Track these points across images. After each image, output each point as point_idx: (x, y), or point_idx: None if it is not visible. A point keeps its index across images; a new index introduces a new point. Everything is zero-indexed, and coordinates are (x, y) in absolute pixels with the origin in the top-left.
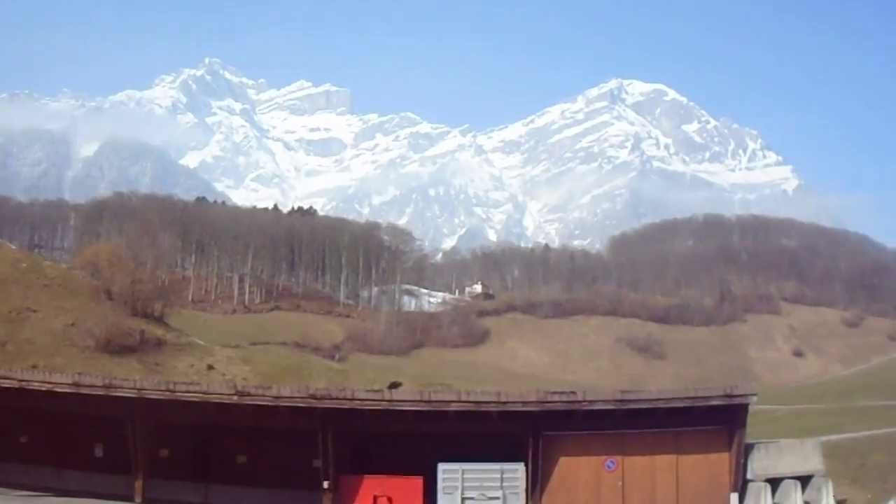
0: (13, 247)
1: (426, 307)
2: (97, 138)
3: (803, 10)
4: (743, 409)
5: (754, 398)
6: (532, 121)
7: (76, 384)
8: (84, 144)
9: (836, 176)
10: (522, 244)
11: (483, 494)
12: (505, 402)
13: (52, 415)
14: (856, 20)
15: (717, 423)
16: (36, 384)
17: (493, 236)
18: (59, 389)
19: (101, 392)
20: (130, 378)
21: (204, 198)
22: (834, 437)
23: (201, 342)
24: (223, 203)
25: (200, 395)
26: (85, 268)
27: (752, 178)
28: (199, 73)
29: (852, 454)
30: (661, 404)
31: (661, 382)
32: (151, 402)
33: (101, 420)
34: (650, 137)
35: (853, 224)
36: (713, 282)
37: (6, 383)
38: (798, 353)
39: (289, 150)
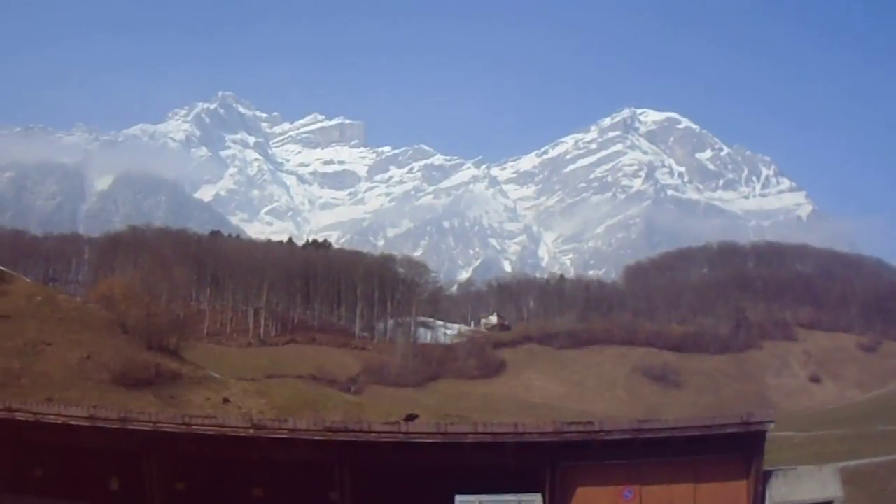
0: (28, 280)
1: (442, 339)
2: (111, 172)
3: (813, 36)
4: (760, 436)
5: (772, 425)
6: (546, 151)
7: (91, 417)
8: (98, 178)
9: (851, 200)
10: (538, 275)
11: None
12: (521, 433)
13: (67, 448)
14: (865, 45)
15: (734, 450)
16: (51, 417)
17: (508, 267)
18: (74, 423)
19: (116, 425)
20: (146, 411)
21: (218, 231)
22: (852, 462)
23: (217, 375)
24: (238, 237)
25: (216, 428)
26: (100, 301)
27: (766, 204)
28: (212, 107)
29: (871, 480)
30: (678, 433)
31: (677, 411)
32: (167, 436)
33: (117, 453)
34: (664, 166)
35: (868, 248)
36: (729, 309)
37: (22, 416)
38: (815, 379)
39: (303, 184)
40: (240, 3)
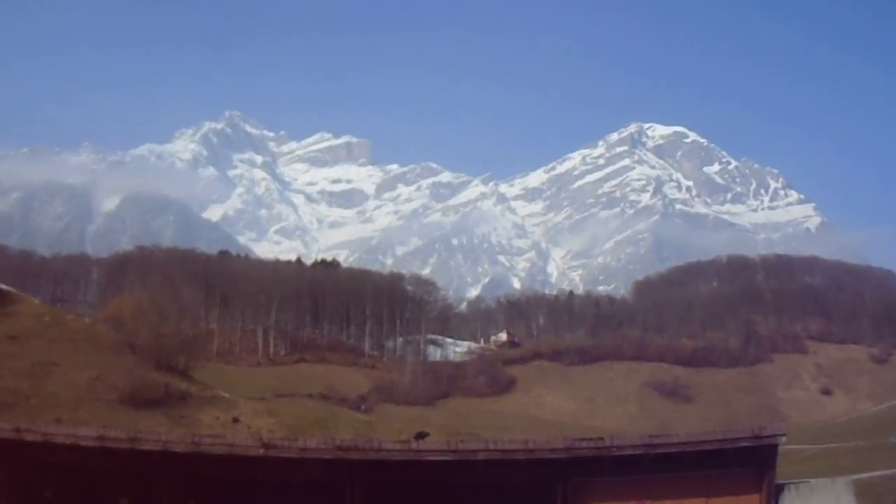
0: (36, 301)
1: (452, 357)
2: (118, 192)
3: (820, 48)
4: (772, 449)
5: (783, 438)
6: (553, 167)
7: (101, 438)
8: (105, 198)
9: (859, 212)
10: (547, 291)
11: None
12: (532, 450)
13: (76, 469)
14: (873, 56)
15: (746, 464)
16: (60, 438)
17: (517, 284)
18: (83, 443)
19: (125, 446)
20: (155, 431)
21: (227, 251)
22: (865, 475)
23: (226, 395)
24: (246, 256)
25: (226, 448)
26: (108, 322)
27: (775, 217)
28: (219, 127)
29: (885, 492)
30: (689, 448)
31: (688, 426)
32: (177, 456)
33: (126, 474)
34: (672, 180)
35: (877, 259)
36: (738, 323)
37: (30, 437)
38: (826, 392)
39: (311, 202)
40: (244, 21)
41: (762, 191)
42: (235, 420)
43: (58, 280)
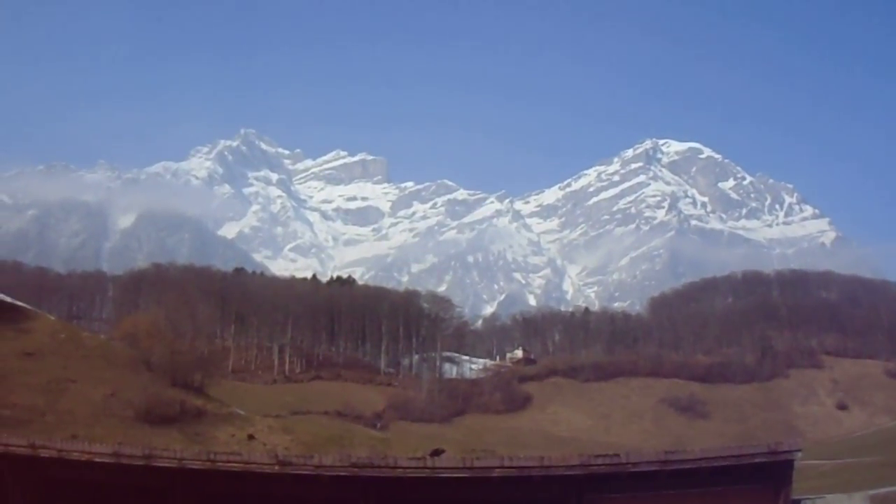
0: (52, 318)
1: (467, 374)
2: (134, 210)
3: (833, 64)
4: (788, 465)
5: (799, 454)
6: (569, 184)
7: (116, 454)
8: (121, 216)
9: (874, 226)
10: (562, 308)
11: None
12: (548, 467)
13: (91, 485)
14: (885, 71)
15: (762, 480)
16: (75, 454)
17: (532, 301)
18: (98, 460)
19: (141, 462)
20: (171, 448)
21: (242, 268)
22: (882, 490)
23: (242, 412)
24: (262, 274)
25: (241, 465)
26: (124, 338)
27: (790, 232)
28: (234, 144)
29: None
30: (704, 464)
31: (704, 442)
32: (192, 473)
33: (142, 491)
34: (687, 196)
35: (893, 273)
36: (754, 338)
37: (45, 453)
38: (842, 407)
39: (326, 220)
40: (259, 37)
41: (777, 206)
42: (251, 437)
43: (73, 297)
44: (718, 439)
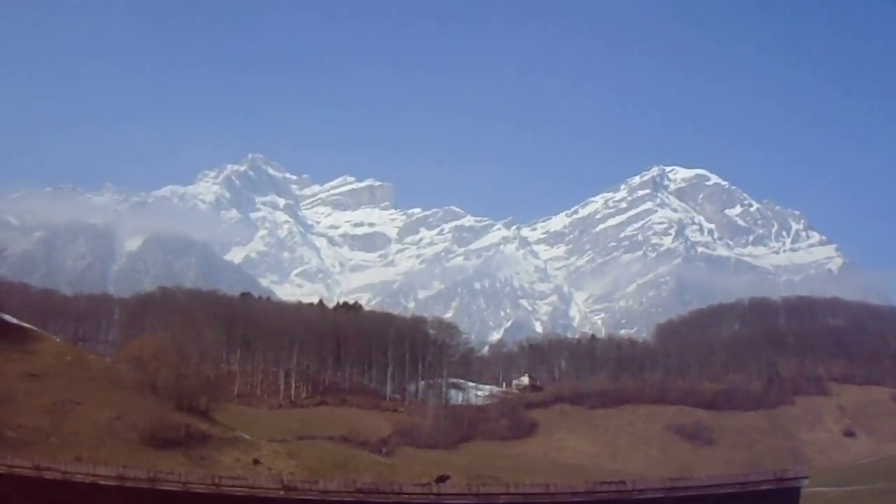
0: (57, 340)
1: (473, 400)
2: (141, 233)
3: (838, 89)
4: (795, 492)
5: (806, 481)
6: (576, 211)
7: (120, 477)
8: (128, 239)
9: (881, 252)
10: (569, 335)
11: None
12: (553, 493)
13: None
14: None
15: None
16: (80, 477)
17: (539, 328)
18: (103, 482)
19: (145, 485)
20: (176, 472)
21: (249, 293)
22: None
23: (247, 437)
24: (268, 299)
25: (247, 489)
26: (129, 361)
27: (797, 258)
28: (242, 169)
29: None
30: (711, 490)
31: (710, 468)
32: (197, 497)
33: None
34: (693, 223)
35: None
36: (761, 365)
37: (49, 475)
38: (849, 433)
39: (333, 246)
40: (266, 63)
41: (784, 232)
42: (256, 462)
43: (80, 319)
44: (725, 466)
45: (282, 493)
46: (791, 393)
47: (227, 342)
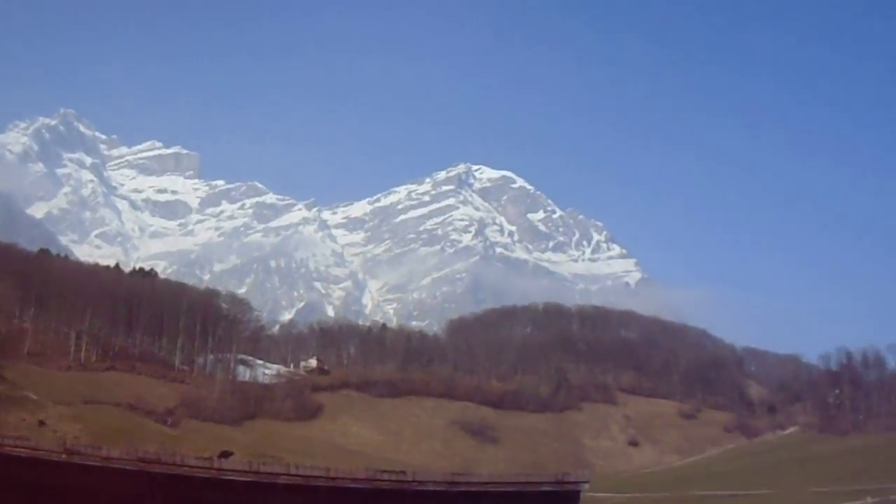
0: None
1: (261, 378)
2: None
3: (653, 104)
4: (574, 496)
5: (586, 486)
6: (378, 199)
7: None
8: None
9: (679, 271)
10: (360, 322)
11: None
12: (334, 478)
13: None
14: (702, 108)
15: None
16: None
17: (331, 312)
18: None
19: None
20: None
21: (47, 250)
22: None
23: (34, 397)
24: (66, 257)
25: (28, 450)
26: None
27: (595, 269)
28: (53, 123)
29: None
30: (491, 488)
31: (494, 466)
32: None
33: None
34: (495, 224)
35: (694, 319)
36: (550, 369)
37: None
38: (633, 443)
39: (135, 210)
40: (85, 15)
41: (585, 242)
42: (41, 423)
43: None
44: (508, 465)
45: (64, 456)
46: (579, 399)
47: (21, 298)
